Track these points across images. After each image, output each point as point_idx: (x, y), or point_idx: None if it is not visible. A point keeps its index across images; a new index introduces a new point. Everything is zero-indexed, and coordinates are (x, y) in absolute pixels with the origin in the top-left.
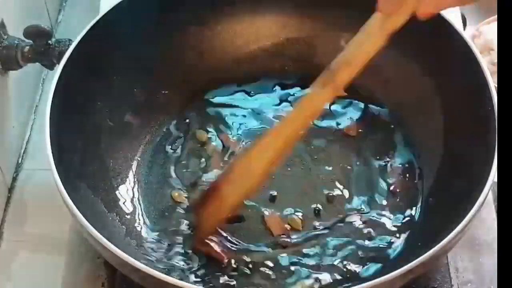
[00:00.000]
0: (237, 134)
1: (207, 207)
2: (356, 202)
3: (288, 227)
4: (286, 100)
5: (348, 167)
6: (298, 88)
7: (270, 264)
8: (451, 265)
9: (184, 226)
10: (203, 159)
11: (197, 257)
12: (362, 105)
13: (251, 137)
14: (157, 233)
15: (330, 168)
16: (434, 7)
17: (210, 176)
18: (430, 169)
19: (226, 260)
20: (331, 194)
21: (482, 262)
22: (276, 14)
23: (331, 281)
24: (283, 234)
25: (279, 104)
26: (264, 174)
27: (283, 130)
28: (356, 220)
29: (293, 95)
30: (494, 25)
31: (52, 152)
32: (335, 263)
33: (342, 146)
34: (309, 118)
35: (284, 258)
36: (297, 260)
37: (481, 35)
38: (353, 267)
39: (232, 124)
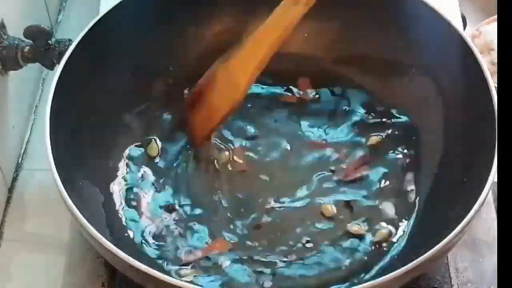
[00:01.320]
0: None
1: (196, 112)
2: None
3: None
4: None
5: None
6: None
7: None
8: (451, 265)
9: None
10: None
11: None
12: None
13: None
14: (157, 233)
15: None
16: None
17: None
18: (430, 169)
19: None
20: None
21: (482, 262)
22: None
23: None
24: None
25: None
26: (248, 85)
27: (264, 39)
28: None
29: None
30: (494, 25)
31: (52, 152)
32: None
33: None
34: (288, 27)
35: None
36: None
37: (481, 35)
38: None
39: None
